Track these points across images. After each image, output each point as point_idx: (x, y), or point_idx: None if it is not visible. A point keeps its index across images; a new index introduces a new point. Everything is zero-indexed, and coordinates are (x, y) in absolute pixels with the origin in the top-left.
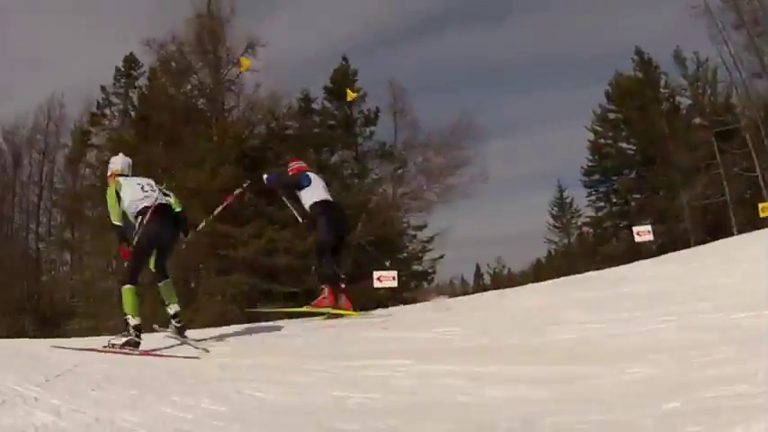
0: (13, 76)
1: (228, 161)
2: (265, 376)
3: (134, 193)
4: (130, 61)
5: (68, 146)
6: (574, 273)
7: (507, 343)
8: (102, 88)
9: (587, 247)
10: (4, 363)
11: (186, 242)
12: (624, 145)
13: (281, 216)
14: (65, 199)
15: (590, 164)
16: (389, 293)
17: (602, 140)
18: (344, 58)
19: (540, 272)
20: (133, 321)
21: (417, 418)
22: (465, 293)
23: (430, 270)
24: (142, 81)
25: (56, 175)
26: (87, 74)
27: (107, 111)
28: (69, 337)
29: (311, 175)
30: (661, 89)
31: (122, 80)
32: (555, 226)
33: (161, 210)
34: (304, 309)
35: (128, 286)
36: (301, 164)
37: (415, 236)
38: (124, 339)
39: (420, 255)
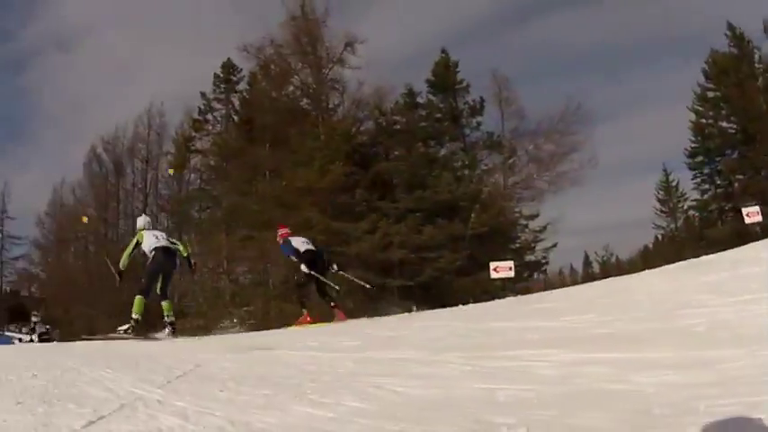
0: (110, 87)
1: (338, 158)
2: (402, 370)
3: (150, 241)
4: (229, 67)
5: (171, 153)
6: (681, 259)
7: (640, 328)
8: (203, 94)
9: (693, 232)
10: (119, 364)
11: None
12: (725, 124)
13: (396, 210)
14: (171, 203)
15: (693, 145)
16: (504, 284)
17: (704, 120)
18: (444, 51)
19: (648, 259)
20: (135, 316)
21: (571, 408)
22: (574, 283)
23: (543, 260)
24: (242, 86)
25: (160, 181)
26: (184, 82)
27: (209, 116)
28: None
29: (290, 239)
30: (756, 64)
31: (222, 86)
32: (662, 211)
33: (164, 250)
34: (292, 327)
35: (140, 297)
36: (285, 230)
37: (526, 225)
38: (125, 327)
39: (532, 245)
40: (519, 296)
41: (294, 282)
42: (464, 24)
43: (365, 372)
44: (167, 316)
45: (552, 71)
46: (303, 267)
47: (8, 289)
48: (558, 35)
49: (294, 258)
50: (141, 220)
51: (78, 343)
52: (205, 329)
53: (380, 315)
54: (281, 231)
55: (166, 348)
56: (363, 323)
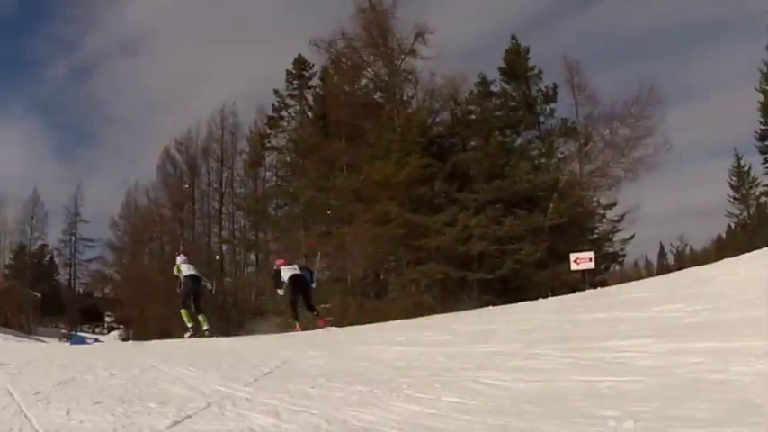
0: (181, 89)
1: (415, 151)
2: (499, 364)
3: (183, 269)
4: (300, 63)
5: (246, 151)
6: (755, 248)
7: (731, 317)
8: (276, 92)
9: (765, 219)
10: (202, 363)
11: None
12: None
13: (475, 202)
14: (248, 202)
15: (763, 127)
16: (583, 276)
17: None
18: (514, 37)
19: (722, 248)
20: (189, 324)
21: (673, 399)
22: (650, 274)
23: (620, 251)
24: (315, 81)
25: (235, 180)
26: (256, 80)
27: (283, 113)
28: (253, 334)
29: (282, 269)
30: None
31: (295, 82)
32: (734, 198)
33: (192, 277)
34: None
35: (183, 309)
36: (281, 261)
37: (604, 215)
38: (188, 334)
39: (610, 235)
40: (600, 288)
41: (288, 301)
42: (531, 9)
43: (460, 366)
44: (203, 323)
45: (621, 54)
46: (280, 292)
47: (81, 290)
48: (623, 17)
49: (281, 288)
50: (179, 258)
51: (156, 341)
52: (282, 327)
53: (461, 309)
54: (278, 262)
55: (249, 345)
56: (449, 318)
